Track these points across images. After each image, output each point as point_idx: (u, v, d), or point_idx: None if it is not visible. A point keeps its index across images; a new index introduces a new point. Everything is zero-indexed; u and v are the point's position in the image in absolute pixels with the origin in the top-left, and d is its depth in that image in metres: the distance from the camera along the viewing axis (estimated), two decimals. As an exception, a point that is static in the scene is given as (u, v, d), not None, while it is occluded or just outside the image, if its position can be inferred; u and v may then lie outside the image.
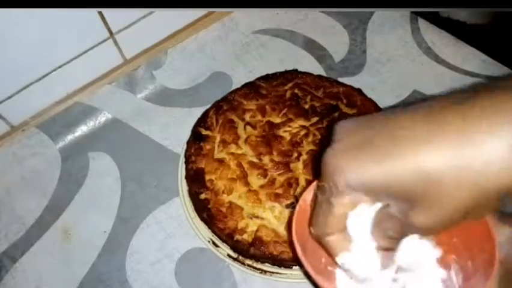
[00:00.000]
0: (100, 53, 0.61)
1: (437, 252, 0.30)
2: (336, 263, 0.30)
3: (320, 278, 0.29)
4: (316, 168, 0.32)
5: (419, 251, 0.30)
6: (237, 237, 0.50)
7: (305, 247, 0.31)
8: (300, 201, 0.34)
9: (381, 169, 0.25)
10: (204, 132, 0.58)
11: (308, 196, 0.34)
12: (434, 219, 0.25)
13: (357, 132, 0.27)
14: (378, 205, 0.28)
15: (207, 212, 0.51)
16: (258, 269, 0.50)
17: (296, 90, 0.61)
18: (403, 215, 0.26)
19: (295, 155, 0.55)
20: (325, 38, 0.71)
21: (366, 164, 0.25)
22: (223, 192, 0.52)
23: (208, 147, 0.56)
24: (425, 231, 0.27)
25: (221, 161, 0.55)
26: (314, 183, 0.33)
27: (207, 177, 0.54)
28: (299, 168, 0.54)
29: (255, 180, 0.53)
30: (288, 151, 0.55)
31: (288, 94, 0.61)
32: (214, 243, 0.51)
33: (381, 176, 0.25)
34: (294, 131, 0.57)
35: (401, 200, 0.25)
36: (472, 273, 0.29)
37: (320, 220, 0.29)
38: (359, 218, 0.28)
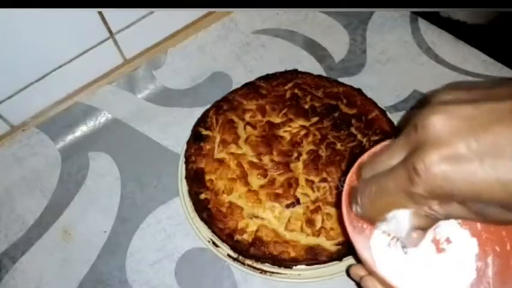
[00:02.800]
0: (100, 53, 0.61)
1: (474, 242, 0.32)
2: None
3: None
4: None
5: (456, 235, 0.31)
6: (237, 237, 0.50)
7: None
8: (352, 172, 0.34)
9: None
10: (204, 132, 0.58)
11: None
12: None
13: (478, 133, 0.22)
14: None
15: (207, 212, 0.51)
16: (258, 269, 0.50)
17: (296, 90, 0.61)
18: (475, 211, 0.24)
19: (295, 155, 0.55)
20: (325, 38, 0.71)
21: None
22: (223, 192, 0.52)
23: (208, 147, 0.56)
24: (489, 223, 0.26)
25: (221, 161, 0.55)
26: (371, 150, 0.33)
27: (207, 177, 0.54)
28: (299, 168, 0.54)
29: (255, 180, 0.53)
30: (288, 151, 0.55)
31: (288, 94, 0.61)
32: (214, 243, 0.51)
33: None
34: (294, 131, 0.57)
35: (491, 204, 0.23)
36: None
37: (375, 202, 0.28)
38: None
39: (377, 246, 0.34)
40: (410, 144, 0.25)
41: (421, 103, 0.25)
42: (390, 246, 0.34)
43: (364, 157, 0.33)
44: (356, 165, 0.33)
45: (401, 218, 0.27)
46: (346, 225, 0.32)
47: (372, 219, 0.29)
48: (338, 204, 0.49)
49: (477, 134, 0.22)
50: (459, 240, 0.34)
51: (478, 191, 0.22)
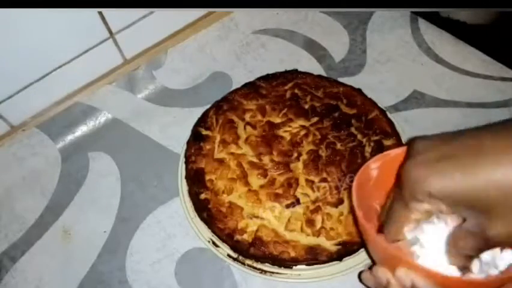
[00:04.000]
0: (100, 53, 0.61)
1: None
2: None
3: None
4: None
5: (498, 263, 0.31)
6: (237, 237, 0.50)
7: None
8: (364, 168, 0.38)
9: (464, 180, 0.27)
10: (204, 132, 0.58)
11: (374, 165, 0.38)
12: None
13: (438, 148, 0.29)
14: (452, 223, 0.31)
15: (207, 212, 0.51)
16: (258, 269, 0.50)
17: (296, 90, 0.61)
18: (480, 228, 0.27)
19: (295, 155, 0.55)
20: (325, 38, 0.71)
21: (449, 175, 0.27)
22: (223, 192, 0.52)
23: (208, 147, 0.56)
24: (503, 243, 0.28)
25: (221, 161, 0.55)
26: (382, 155, 0.38)
27: (207, 177, 0.54)
28: (299, 168, 0.54)
29: (255, 180, 0.53)
30: (288, 151, 0.55)
31: (288, 94, 0.61)
32: (214, 243, 0.51)
33: (463, 186, 0.27)
34: (294, 131, 0.57)
35: (479, 210, 0.27)
36: None
37: (394, 224, 0.33)
38: (433, 232, 0.32)
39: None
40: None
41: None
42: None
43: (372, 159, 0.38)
44: (366, 164, 0.37)
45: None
46: (357, 216, 0.35)
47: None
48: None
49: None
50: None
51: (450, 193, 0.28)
